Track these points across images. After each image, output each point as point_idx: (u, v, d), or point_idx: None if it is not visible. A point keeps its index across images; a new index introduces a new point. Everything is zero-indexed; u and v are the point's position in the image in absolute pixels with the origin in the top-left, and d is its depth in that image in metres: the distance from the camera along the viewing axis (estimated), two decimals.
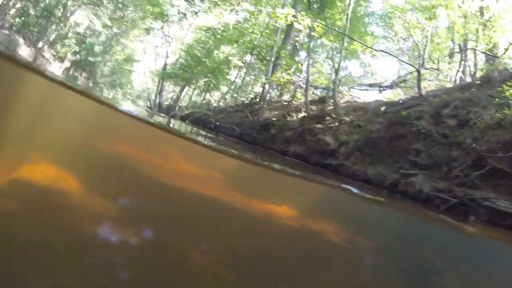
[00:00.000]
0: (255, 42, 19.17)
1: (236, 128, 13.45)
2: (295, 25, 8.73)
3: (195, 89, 29.19)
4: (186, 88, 31.82)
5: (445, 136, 8.79)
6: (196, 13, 13.59)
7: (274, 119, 11.67)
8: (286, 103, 13.66)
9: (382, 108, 9.94)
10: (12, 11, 23.55)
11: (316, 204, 5.15)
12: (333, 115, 10.09)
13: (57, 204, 3.02)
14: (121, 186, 3.55)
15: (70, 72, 27.25)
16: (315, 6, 12.86)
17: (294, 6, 18.73)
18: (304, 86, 12.63)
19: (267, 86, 16.33)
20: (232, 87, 27.44)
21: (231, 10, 9.12)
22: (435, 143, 8.76)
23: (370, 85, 13.32)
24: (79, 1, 26.86)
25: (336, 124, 9.81)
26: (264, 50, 15.40)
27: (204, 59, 26.34)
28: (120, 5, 29.17)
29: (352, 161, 9.13)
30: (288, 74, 14.17)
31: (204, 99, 27.03)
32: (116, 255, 2.74)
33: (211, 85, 26.33)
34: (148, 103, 35.40)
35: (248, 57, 27.38)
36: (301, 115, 10.96)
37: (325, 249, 4.20)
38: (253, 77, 29.64)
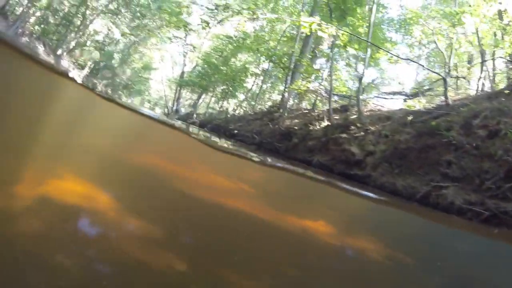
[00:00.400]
0: (274, 50, 19.00)
1: (256, 136, 13.26)
2: (319, 33, 8.51)
3: (212, 96, 29.14)
4: (203, 95, 31.89)
5: (477, 148, 8.46)
6: (220, 21, 13.49)
7: (296, 128, 11.44)
8: (306, 111, 13.43)
9: (409, 118, 9.64)
10: (32, 19, 23.88)
11: (353, 218, 4.89)
12: (358, 125, 9.82)
13: (90, 224, 2.84)
14: (156, 203, 3.35)
15: (89, 79, 27.43)
16: (335, 13, 12.68)
17: (312, 14, 18.59)
18: (325, 94, 12.41)
19: (286, 94, 16.14)
20: (249, 94, 27.32)
21: (254, 19, 8.97)
22: (466, 154, 8.43)
23: (395, 94, 13.01)
24: (98, 10, 27.11)
25: (362, 133, 9.53)
26: (285, 58, 15.21)
27: (221, 67, 26.31)
28: (138, 14, 29.37)
29: (380, 172, 8.84)
30: (309, 82, 13.97)
31: (221, 106, 26.94)
32: (158, 280, 2.54)
33: (229, 92, 26.26)
34: (166, 110, 35.58)
35: (264, 65, 27.35)
36: (324, 124, 10.70)
37: (369, 267, 3.94)
38: (269, 85, 29.50)
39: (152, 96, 42.09)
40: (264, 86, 28.87)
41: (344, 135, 9.46)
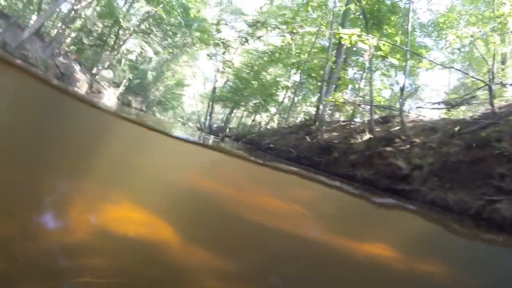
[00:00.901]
0: (306, 63, 18.74)
1: (292, 150, 12.99)
2: (359, 45, 8.24)
3: (244, 110, 29.14)
4: (235, 110, 31.99)
5: None
6: (258, 37, 13.50)
7: (335, 141, 11.10)
8: (344, 123, 13.07)
9: (456, 128, 9.15)
10: (68, 40, 24.73)
11: (415, 239, 4.54)
12: (403, 137, 9.40)
13: (155, 258, 2.65)
14: (218, 231, 3.14)
15: (124, 97, 28.02)
16: (370, 23, 12.34)
17: (343, 24, 18.27)
18: (363, 105, 12.03)
19: (321, 107, 15.83)
20: (280, 107, 27.12)
21: (294, 33, 8.80)
22: None
23: (438, 103, 12.45)
24: (130, 30, 27.81)
25: (407, 146, 9.11)
26: (321, 71, 14.94)
27: (252, 82, 26.30)
28: (170, 33, 29.92)
29: (429, 186, 8.37)
30: (345, 93, 13.67)
31: (253, 120, 26.87)
32: None
33: (260, 106, 26.17)
34: (198, 124, 35.89)
35: (295, 77, 27.17)
36: (365, 137, 10.33)
37: None
38: (300, 97, 29.22)
39: (185, 111, 42.66)
40: (295, 99, 28.65)
41: (389, 149, 9.06)
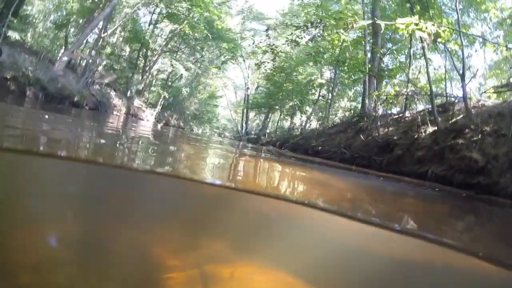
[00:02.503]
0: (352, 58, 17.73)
1: (345, 151, 12.21)
2: (417, 33, 7.44)
3: (281, 114, 28.49)
4: (271, 114, 31.45)
5: None
6: (311, 38, 12.87)
7: (395, 137, 10.26)
8: (396, 117, 12.17)
9: None
10: (100, 68, 24.97)
11: None
12: (472, 126, 8.48)
13: None
14: None
15: (162, 116, 28.07)
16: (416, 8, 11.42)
17: (372, 12, 17.29)
18: (419, 95, 11.11)
19: (367, 101, 14.95)
20: (316, 106, 26.25)
21: (347, 30, 8.15)
22: None
23: (502, 86, 11.29)
24: (158, 50, 27.87)
25: (479, 136, 8.18)
26: (368, 64, 14.06)
27: (285, 84, 25.64)
28: (198, 47, 29.79)
29: (509, 178, 7.43)
30: (396, 85, 12.78)
31: (292, 123, 26.15)
32: None
33: (297, 108, 25.44)
34: (234, 133, 35.64)
35: (326, 74, 26.25)
36: (429, 129, 9.45)
37: None
38: (334, 94, 28.26)
39: (220, 122, 42.64)
40: (329, 95, 27.73)
41: (460, 141, 8.17)
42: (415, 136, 9.61)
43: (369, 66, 13.50)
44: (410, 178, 9.02)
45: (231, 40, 28.51)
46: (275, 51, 14.84)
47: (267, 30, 13.41)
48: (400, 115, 12.13)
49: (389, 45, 18.81)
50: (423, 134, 9.53)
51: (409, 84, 11.98)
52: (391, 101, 11.47)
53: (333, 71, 23.00)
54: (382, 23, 7.85)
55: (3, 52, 12.65)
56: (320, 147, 14.11)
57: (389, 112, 13.50)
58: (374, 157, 10.54)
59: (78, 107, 17.19)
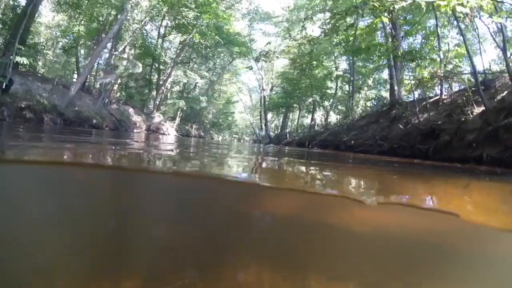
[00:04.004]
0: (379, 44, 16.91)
1: (383, 143, 11.51)
2: (458, 9, 6.77)
3: (300, 111, 27.83)
4: (289, 113, 30.87)
5: None
6: (347, 28, 12.22)
7: (439, 122, 9.53)
8: (434, 100, 11.40)
9: None
10: (115, 87, 24.83)
11: None
12: None
13: None
14: None
15: (182, 127, 27.76)
16: None
17: None
18: (456, 76, 10.35)
19: (396, 87, 14.21)
20: (336, 100, 25.50)
21: (391, 11, 7.54)
22: None
23: None
24: (170, 63, 27.59)
25: None
26: (395, 50, 13.31)
27: (302, 80, 25.00)
28: (210, 55, 29.43)
29: None
30: (422, 66, 12.01)
31: (312, 119, 25.45)
32: None
33: (316, 103, 24.75)
34: (254, 136, 35.17)
35: (343, 65, 25.47)
36: (476, 110, 8.69)
37: None
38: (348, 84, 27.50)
39: (238, 127, 42.28)
40: (347, 87, 26.94)
41: None
42: (462, 119, 8.87)
43: (395, 51, 12.74)
44: (462, 164, 8.32)
45: (242, 43, 28.07)
46: (312, 41, 14.15)
47: (305, 19, 12.81)
48: (437, 97, 11.38)
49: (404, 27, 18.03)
50: (470, 115, 8.79)
51: (443, 65, 11.23)
52: (426, 84, 10.72)
53: (350, 61, 22.29)
54: (423, 2, 7.18)
55: (15, 82, 12.44)
56: (353, 141, 13.43)
57: (419, 97, 12.78)
58: (418, 146, 9.83)
59: (98, 129, 16.93)
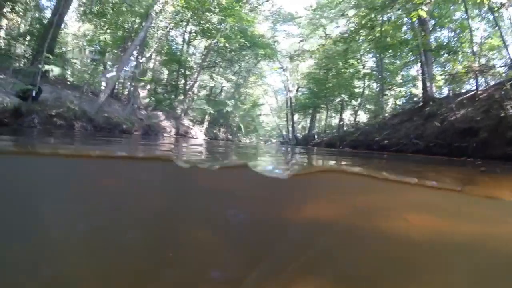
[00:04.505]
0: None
1: (418, 142, 11.27)
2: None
3: (327, 112, 27.58)
4: (317, 114, 30.62)
5: None
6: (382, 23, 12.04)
7: (478, 118, 9.24)
8: (467, 96, 11.06)
9: None
10: (143, 93, 25.34)
11: None
12: None
13: None
14: None
15: (210, 131, 28.01)
16: None
17: None
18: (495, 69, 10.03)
19: (428, 83, 13.87)
20: (364, 99, 25.11)
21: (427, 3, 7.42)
22: None
23: None
24: (195, 68, 27.89)
25: None
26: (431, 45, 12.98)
27: (327, 80, 24.80)
28: (235, 58, 29.60)
29: None
30: (452, 60, 11.69)
31: (340, 119, 25.16)
32: None
33: (344, 103, 24.45)
34: (281, 138, 35.09)
35: (369, 63, 25.08)
36: None
37: None
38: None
39: (265, 128, 42.32)
40: (374, 86, 26.51)
41: None
42: (501, 114, 8.57)
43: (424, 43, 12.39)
44: (503, 162, 8.04)
45: (267, 45, 28.06)
46: (347, 40, 14.08)
47: (342, 14, 12.79)
48: (472, 92, 11.05)
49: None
50: (510, 110, 8.48)
51: (478, 58, 10.90)
52: (461, 79, 10.43)
53: (377, 58, 21.97)
54: None
55: (44, 90, 12.83)
56: (386, 141, 13.20)
57: (453, 92, 12.44)
58: (456, 144, 9.57)
59: (128, 134, 17.29)
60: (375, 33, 17.08)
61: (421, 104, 13.77)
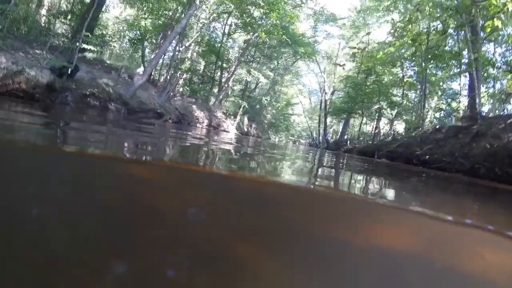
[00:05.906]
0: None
1: (463, 161, 10.67)
2: None
3: (362, 118, 26.92)
4: (351, 119, 29.98)
5: None
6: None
7: None
8: None
9: None
10: (180, 82, 25.42)
11: None
12: None
13: None
14: None
15: (241, 126, 27.93)
16: None
17: None
18: None
19: (477, 99, 13.17)
20: (401, 109, 24.28)
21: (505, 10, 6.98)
22: None
23: None
24: (233, 62, 27.82)
25: None
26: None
27: (365, 86, 24.15)
28: (275, 54, 29.34)
29: None
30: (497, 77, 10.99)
31: (376, 127, 24.47)
32: None
33: (381, 111, 23.74)
34: (310, 140, 34.65)
35: (409, 72, 24.20)
36: None
37: None
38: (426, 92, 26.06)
39: (296, 128, 41.97)
40: (413, 96, 25.60)
41: None
42: None
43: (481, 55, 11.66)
44: None
45: (307, 44, 27.66)
46: (417, 41, 13.45)
47: (412, 14, 12.28)
48: None
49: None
50: None
51: None
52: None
53: (419, 68, 21.13)
54: None
55: (81, 69, 12.76)
56: (427, 156, 12.61)
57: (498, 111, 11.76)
58: (507, 169, 8.96)
59: (161, 119, 17.32)
60: (421, 42, 16.39)
61: (468, 121, 13.09)
